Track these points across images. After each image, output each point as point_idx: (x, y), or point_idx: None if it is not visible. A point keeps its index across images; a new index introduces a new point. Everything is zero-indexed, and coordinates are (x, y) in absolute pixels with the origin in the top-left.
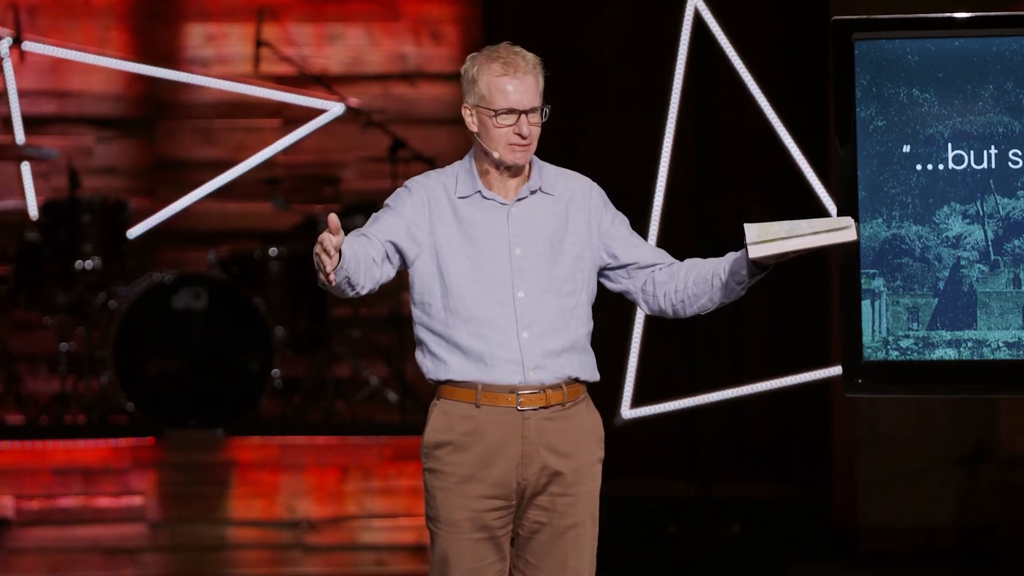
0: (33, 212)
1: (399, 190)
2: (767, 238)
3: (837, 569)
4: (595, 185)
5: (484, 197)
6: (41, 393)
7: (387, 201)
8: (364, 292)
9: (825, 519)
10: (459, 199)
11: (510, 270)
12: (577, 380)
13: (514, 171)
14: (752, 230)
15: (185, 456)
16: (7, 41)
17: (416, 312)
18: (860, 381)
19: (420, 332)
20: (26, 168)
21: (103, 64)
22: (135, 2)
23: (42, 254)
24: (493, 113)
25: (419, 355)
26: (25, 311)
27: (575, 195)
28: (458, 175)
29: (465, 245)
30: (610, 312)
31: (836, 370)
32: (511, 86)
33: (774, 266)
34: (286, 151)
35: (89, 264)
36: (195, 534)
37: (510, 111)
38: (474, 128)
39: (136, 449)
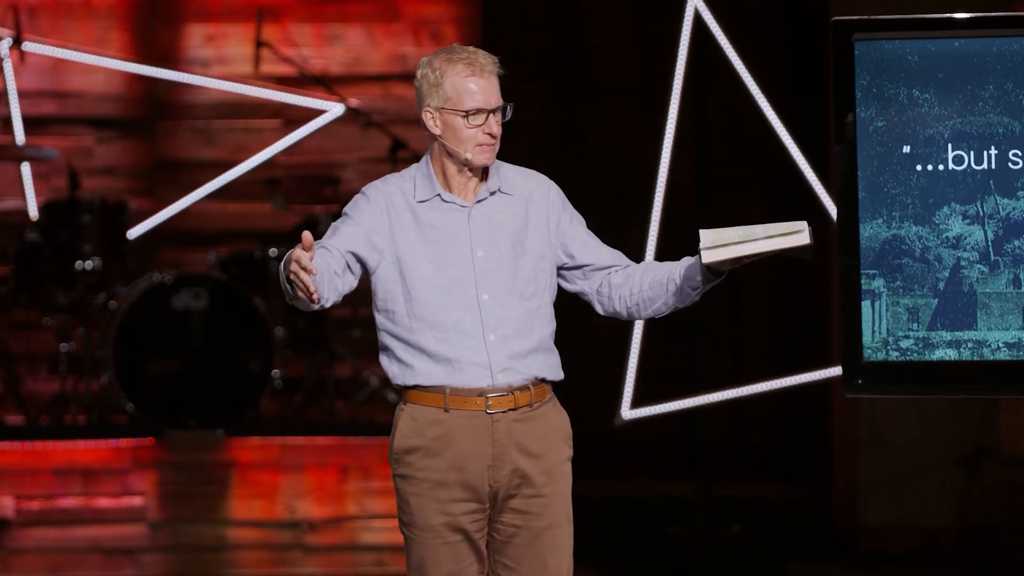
0: (33, 212)
1: (357, 197)
2: (721, 243)
3: (837, 569)
4: (553, 184)
5: (443, 200)
6: (41, 393)
7: (345, 209)
8: (328, 305)
9: (825, 519)
10: (418, 203)
11: (473, 273)
12: (544, 380)
13: (475, 172)
14: (707, 236)
15: (185, 456)
16: (7, 41)
17: (380, 318)
18: (860, 381)
19: (385, 338)
20: (26, 168)
21: (103, 64)
22: (135, 2)
23: (42, 254)
24: (464, 114)
25: (384, 360)
26: (25, 311)
27: (533, 194)
28: (416, 179)
29: (427, 250)
30: None
31: (836, 370)
32: (476, 86)
33: (730, 272)
34: (286, 151)
35: (89, 264)
36: (195, 534)
37: (479, 111)
38: (437, 131)
39: (136, 449)
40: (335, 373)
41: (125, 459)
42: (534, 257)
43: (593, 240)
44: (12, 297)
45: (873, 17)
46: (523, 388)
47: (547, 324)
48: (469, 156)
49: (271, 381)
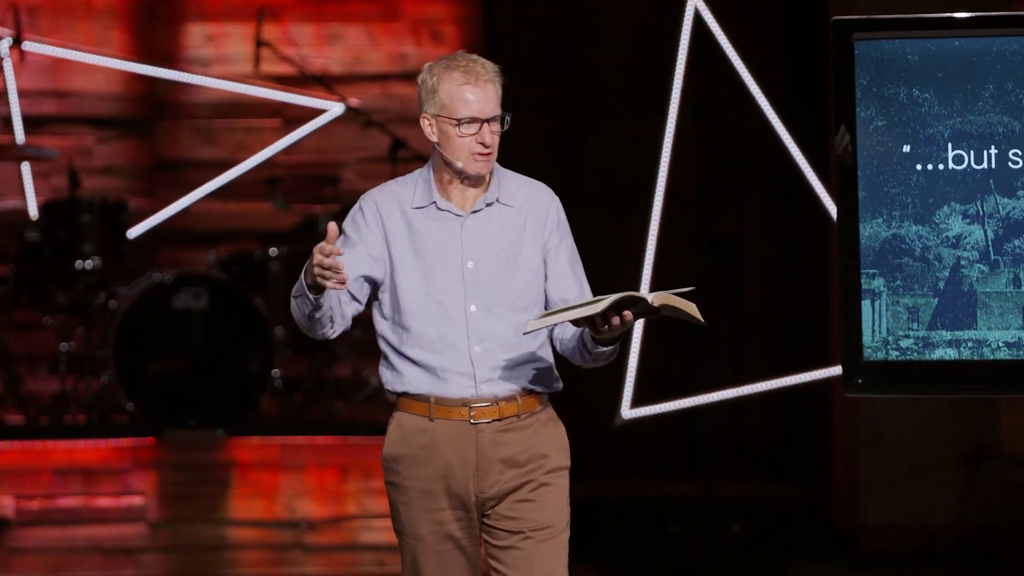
0: (33, 212)
1: (353, 212)
2: (548, 313)
3: (837, 569)
4: (556, 200)
5: (439, 208)
6: (41, 393)
7: (344, 227)
8: (334, 335)
9: (825, 519)
10: (414, 209)
11: (462, 284)
12: (532, 392)
13: (474, 181)
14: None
15: (185, 456)
16: (7, 41)
17: (376, 323)
18: (860, 381)
19: (381, 343)
20: (26, 168)
21: (103, 64)
22: (135, 2)
23: (42, 254)
24: (456, 123)
25: (380, 366)
26: (25, 311)
27: (534, 207)
28: (417, 184)
29: (416, 259)
30: None
31: (836, 370)
32: (472, 95)
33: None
34: (286, 151)
35: (89, 264)
36: (195, 534)
37: (472, 120)
38: (434, 138)
39: (136, 449)
40: (335, 373)
41: (125, 459)
42: (528, 270)
43: (569, 272)
44: (12, 297)
45: (873, 17)
46: (509, 399)
47: (537, 337)
48: (461, 165)
49: (271, 381)
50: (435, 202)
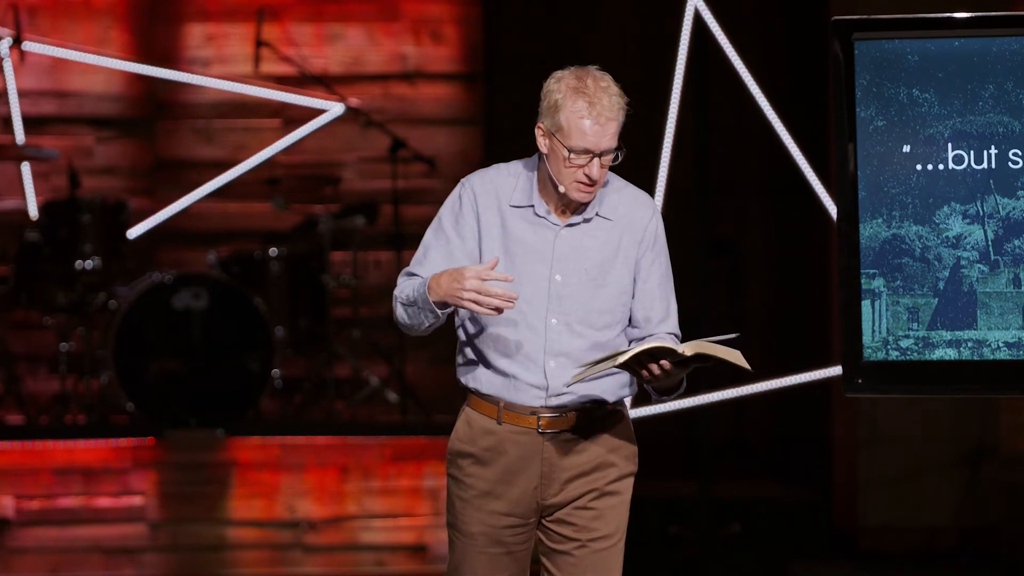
0: (33, 212)
1: (452, 198)
2: (588, 363)
3: (837, 569)
4: (657, 216)
5: (536, 214)
6: (41, 393)
7: (441, 214)
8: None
9: (825, 519)
10: (511, 207)
11: (547, 296)
12: (604, 402)
13: (573, 205)
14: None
15: (185, 456)
16: (7, 41)
17: (457, 310)
18: (860, 381)
19: (459, 332)
20: (26, 168)
21: (103, 64)
22: (135, 2)
23: (42, 254)
24: (568, 152)
25: (457, 353)
26: (25, 311)
27: (633, 223)
28: (519, 179)
29: (505, 261)
30: None
31: (836, 370)
32: (591, 128)
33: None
34: (286, 151)
35: (89, 264)
36: (195, 534)
37: (585, 151)
38: (544, 150)
39: (136, 449)
40: (335, 373)
41: (125, 459)
42: (616, 290)
43: (658, 294)
44: (12, 297)
45: (873, 17)
46: (579, 409)
47: (613, 350)
48: (563, 190)
49: (271, 381)
50: (533, 206)
